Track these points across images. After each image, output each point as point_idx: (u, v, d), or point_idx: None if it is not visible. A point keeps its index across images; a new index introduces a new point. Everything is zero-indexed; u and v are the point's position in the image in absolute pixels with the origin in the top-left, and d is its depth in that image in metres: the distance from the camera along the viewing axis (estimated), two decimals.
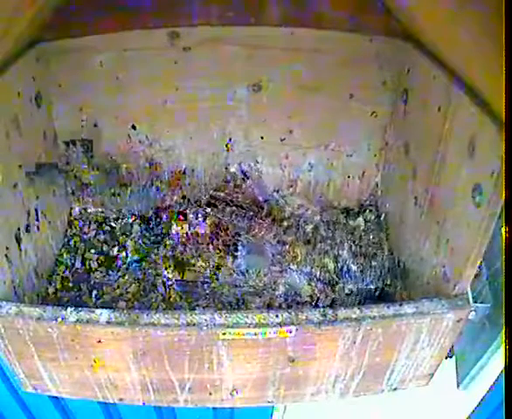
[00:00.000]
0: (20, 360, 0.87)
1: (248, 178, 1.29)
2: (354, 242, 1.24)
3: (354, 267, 1.18)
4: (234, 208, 1.29)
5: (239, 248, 1.21)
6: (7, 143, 0.89)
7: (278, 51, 1.09)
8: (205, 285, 1.15)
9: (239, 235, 1.24)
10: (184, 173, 1.28)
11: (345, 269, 1.18)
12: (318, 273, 1.17)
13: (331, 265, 1.19)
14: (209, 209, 1.28)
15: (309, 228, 1.27)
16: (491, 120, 0.67)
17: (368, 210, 1.30)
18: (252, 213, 1.29)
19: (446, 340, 0.87)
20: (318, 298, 1.13)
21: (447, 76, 0.83)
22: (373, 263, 1.18)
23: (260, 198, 1.32)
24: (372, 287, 1.15)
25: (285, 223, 1.28)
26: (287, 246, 1.23)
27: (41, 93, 1.04)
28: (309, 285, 1.15)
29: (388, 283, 1.14)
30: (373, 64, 1.09)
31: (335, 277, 1.17)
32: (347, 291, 1.15)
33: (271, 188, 1.31)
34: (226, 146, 1.25)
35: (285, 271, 1.17)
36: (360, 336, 0.83)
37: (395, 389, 0.98)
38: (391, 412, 1.74)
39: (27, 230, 0.99)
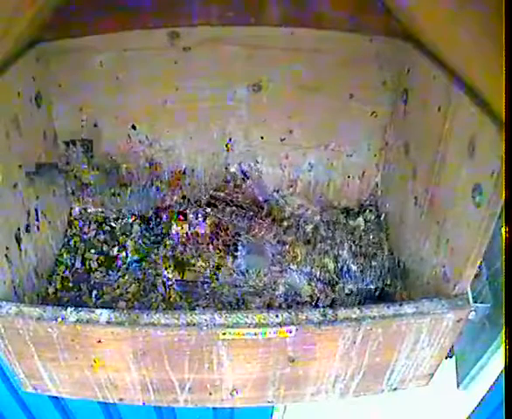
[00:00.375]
0: (20, 360, 0.87)
1: (248, 178, 1.29)
2: (354, 242, 1.24)
3: (354, 267, 1.18)
4: (234, 208, 1.29)
5: (239, 248, 1.21)
6: (7, 143, 0.89)
7: (278, 51, 1.09)
8: (205, 285, 1.15)
9: (239, 235, 1.24)
10: (184, 173, 1.28)
11: (345, 269, 1.18)
12: (318, 273, 1.17)
13: (331, 265, 1.19)
14: (209, 209, 1.28)
15: (309, 228, 1.27)
16: (491, 120, 0.67)
17: (368, 210, 1.30)
18: (252, 213, 1.29)
19: (446, 340, 0.87)
20: (318, 298, 1.13)
21: (447, 76, 0.83)
22: (373, 263, 1.18)
23: (260, 198, 1.32)
24: (372, 287, 1.15)
25: (285, 223, 1.28)
26: (287, 246, 1.23)
27: (41, 93, 1.04)
28: (309, 285, 1.15)
29: (388, 283, 1.14)
30: (373, 64, 1.09)
31: (335, 277, 1.17)
32: (347, 291, 1.15)
33: (271, 188, 1.31)
34: (226, 146, 1.25)
35: (285, 271, 1.17)
36: (360, 336, 0.83)
37: (395, 389, 0.98)
38: (391, 412, 1.74)
39: (27, 230, 0.98)
